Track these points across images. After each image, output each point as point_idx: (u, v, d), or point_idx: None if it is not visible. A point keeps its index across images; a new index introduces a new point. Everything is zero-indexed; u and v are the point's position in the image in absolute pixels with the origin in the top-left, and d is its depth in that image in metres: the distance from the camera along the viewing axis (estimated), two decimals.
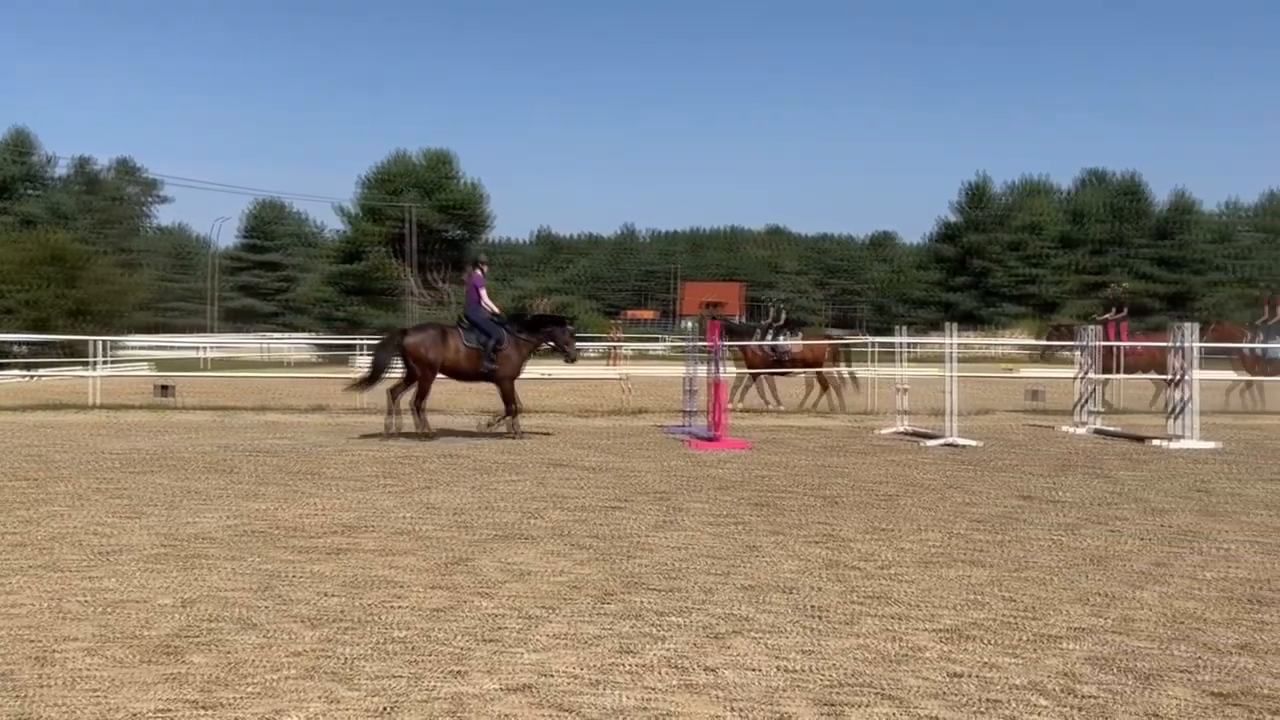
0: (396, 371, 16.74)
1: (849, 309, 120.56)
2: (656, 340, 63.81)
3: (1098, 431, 17.39)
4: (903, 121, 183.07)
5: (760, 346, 22.77)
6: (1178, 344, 16.22)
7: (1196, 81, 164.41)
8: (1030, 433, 17.71)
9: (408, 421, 16.06)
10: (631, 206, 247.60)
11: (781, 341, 22.77)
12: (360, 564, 7.33)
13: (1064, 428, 18.01)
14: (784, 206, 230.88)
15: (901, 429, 17.34)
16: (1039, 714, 4.51)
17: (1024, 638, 5.62)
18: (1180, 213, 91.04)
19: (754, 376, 23.04)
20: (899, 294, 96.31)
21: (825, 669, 5.09)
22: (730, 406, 18.20)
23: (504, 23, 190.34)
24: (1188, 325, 16.49)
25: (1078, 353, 18.91)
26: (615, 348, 46.01)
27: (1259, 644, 5.53)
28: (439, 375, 16.31)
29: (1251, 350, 22.42)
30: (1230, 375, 23.71)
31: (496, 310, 16.85)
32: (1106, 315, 23.57)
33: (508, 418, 16.26)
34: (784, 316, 23.91)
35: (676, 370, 24.59)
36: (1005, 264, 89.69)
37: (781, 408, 21.89)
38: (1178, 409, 15.79)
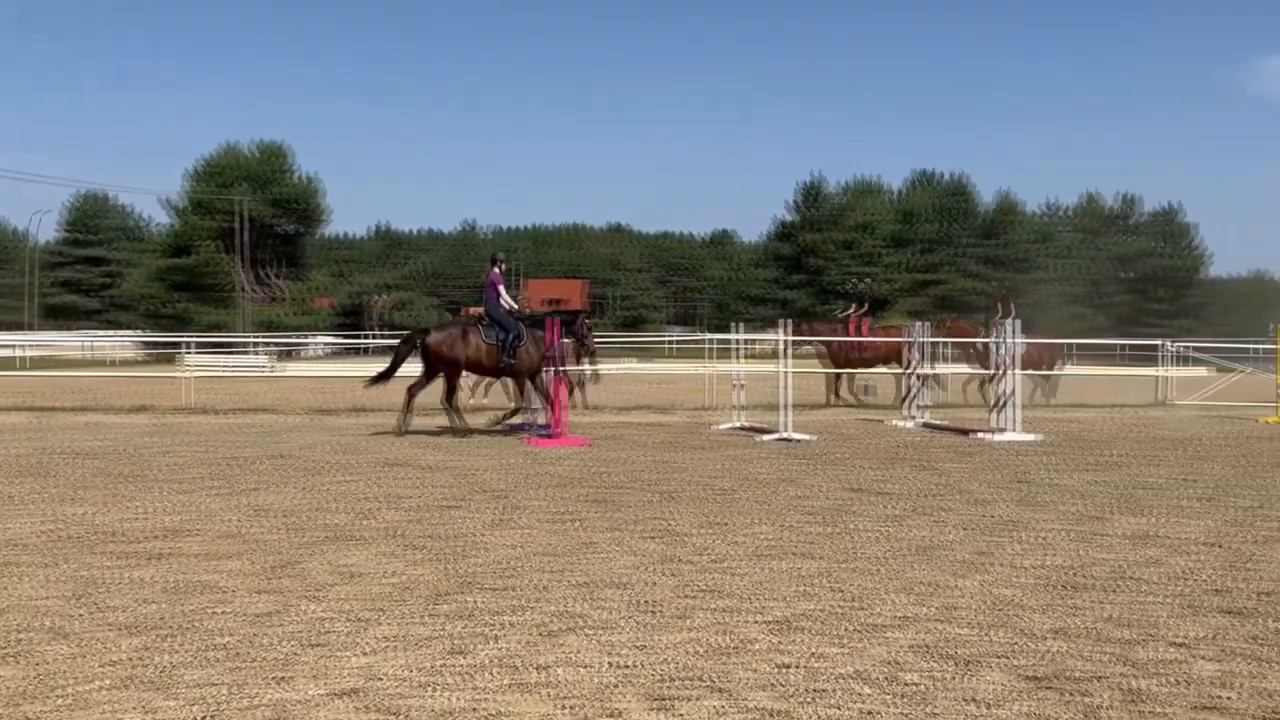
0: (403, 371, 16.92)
1: (690, 306, 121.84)
2: None
3: (925, 425, 17.91)
4: (740, 120, 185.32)
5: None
6: (995, 339, 16.81)
7: (1019, 84, 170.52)
8: (861, 427, 18.14)
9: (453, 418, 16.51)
10: (473, 202, 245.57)
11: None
12: (183, 569, 7.08)
13: (893, 421, 18.50)
14: (626, 204, 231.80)
15: (738, 424, 17.58)
16: (863, 702, 4.60)
17: (851, 627, 5.74)
18: (1005, 213, 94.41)
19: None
20: (738, 291, 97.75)
21: (657, 664, 5.11)
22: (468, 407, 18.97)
23: (343, 14, 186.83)
24: (1009, 322, 17.09)
25: (905, 354, 19.40)
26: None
27: (1071, 628, 5.75)
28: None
29: (985, 345, 23.02)
30: (965, 369, 24.32)
31: (515, 306, 17.10)
32: (849, 311, 24.01)
33: (520, 412, 16.85)
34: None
35: None
36: (839, 262, 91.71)
37: (485, 404, 20.91)
38: (1001, 403, 16.36)
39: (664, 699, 4.64)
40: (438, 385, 16.68)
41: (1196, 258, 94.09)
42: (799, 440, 15.37)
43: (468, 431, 16.11)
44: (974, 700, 4.63)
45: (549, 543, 7.99)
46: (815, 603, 6.26)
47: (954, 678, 4.92)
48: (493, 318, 16.56)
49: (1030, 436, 15.76)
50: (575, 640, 5.49)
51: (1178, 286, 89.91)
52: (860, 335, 22.59)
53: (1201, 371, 31.92)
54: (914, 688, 4.78)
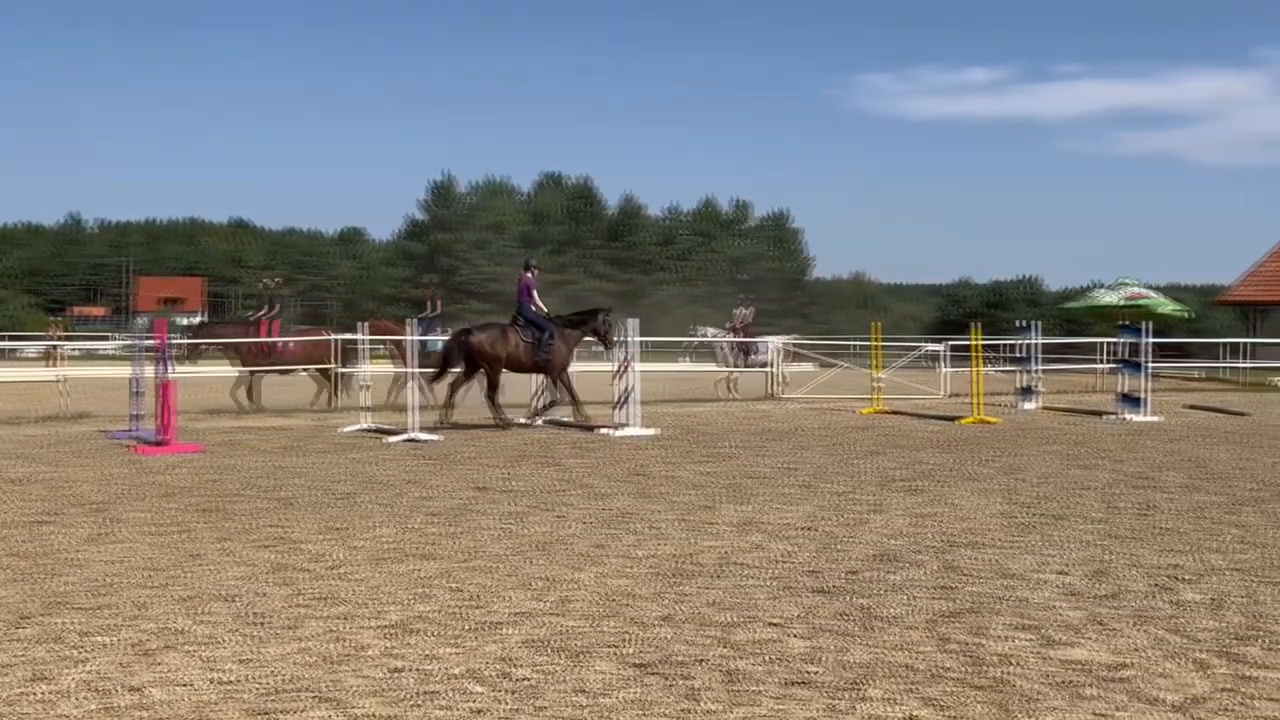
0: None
1: (319, 305, 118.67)
2: (106, 339, 59.21)
3: (551, 422, 18.19)
4: (369, 115, 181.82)
5: None
6: (622, 338, 17.33)
7: (642, 88, 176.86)
8: (491, 425, 18.19)
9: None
10: (77, 194, 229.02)
11: None
12: None
13: (521, 419, 18.67)
14: (248, 199, 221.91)
15: (365, 426, 17.24)
16: (473, 701, 4.60)
17: (466, 627, 5.73)
18: (629, 216, 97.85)
19: None
20: (369, 290, 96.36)
21: (263, 677, 4.91)
22: None
23: None
24: (633, 321, 17.63)
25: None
26: (55, 347, 42.11)
27: (678, 615, 5.98)
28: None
29: (409, 343, 22.45)
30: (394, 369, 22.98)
31: (545, 309, 18.19)
32: (260, 313, 23.09)
33: (579, 408, 17.74)
34: None
35: (126, 371, 22.93)
36: (471, 262, 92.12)
37: None
38: (622, 400, 16.86)
39: (268, 713, 4.47)
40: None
41: (803, 260, 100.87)
42: (426, 440, 15.25)
43: (508, 424, 17.10)
44: (582, 691, 4.73)
45: (151, 556, 7.52)
46: (432, 604, 6.21)
47: (564, 670, 5.01)
48: (525, 319, 17.83)
49: (650, 431, 16.32)
50: (174, 658, 5.19)
51: (786, 287, 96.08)
52: (271, 336, 21.59)
53: (807, 367, 34.19)
54: (525, 683, 4.83)
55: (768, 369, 25.77)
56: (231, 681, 4.85)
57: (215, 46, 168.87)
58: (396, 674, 4.96)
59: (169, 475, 11.76)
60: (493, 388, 17.51)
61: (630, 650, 5.32)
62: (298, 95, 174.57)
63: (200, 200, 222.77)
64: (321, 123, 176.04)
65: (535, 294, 18.11)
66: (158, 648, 5.35)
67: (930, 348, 32.46)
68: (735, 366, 26.10)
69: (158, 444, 14.16)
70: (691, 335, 27.29)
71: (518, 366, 17.97)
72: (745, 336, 26.55)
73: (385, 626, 5.74)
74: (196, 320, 45.64)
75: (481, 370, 17.63)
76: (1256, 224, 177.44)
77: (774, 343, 26.65)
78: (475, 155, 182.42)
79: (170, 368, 15.14)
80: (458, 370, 17.74)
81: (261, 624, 5.79)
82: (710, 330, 27.27)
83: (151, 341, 16.60)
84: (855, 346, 29.01)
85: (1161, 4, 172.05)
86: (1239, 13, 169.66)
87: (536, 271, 18.65)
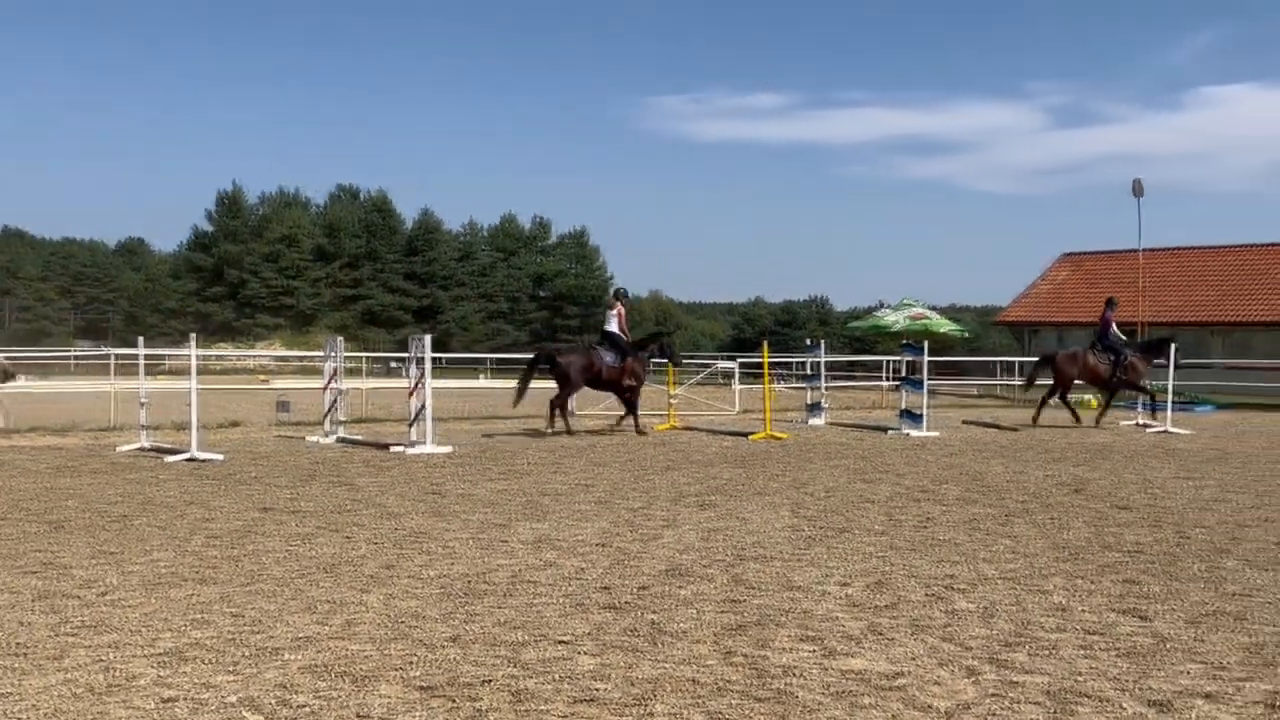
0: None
1: (100, 318, 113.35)
2: None
3: (342, 440, 17.82)
4: (151, 120, 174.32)
5: None
6: (417, 354, 17.10)
7: (438, 103, 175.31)
8: (278, 444, 17.68)
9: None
10: None
11: None
12: None
13: (311, 438, 18.22)
14: (21, 207, 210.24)
15: (143, 445, 16.53)
16: None
17: (245, 653, 5.53)
18: (427, 231, 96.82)
19: None
20: (153, 304, 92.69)
21: (21, 711, 4.63)
22: None
23: None
24: (426, 337, 17.43)
25: (328, 364, 19.20)
26: None
27: (467, 635, 5.91)
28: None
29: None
30: None
31: (1123, 337, 23.09)
32: None
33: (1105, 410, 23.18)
34: None
35: None
36: (261, 275, 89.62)
37: None
38: (415, 416, 16.62)
39: None
40: None
41: (603, 278, 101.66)
42: (209, 460, 14.71)
43: (1079, 422, 22.11)
44: (364, 717, 4.62)
45: None
46: (209, 630, 5.97)
47: (347, 695, 4.88)
48: (1104, 345, 22.62)
49: (445, 449, 16.14)
50: None
51: (586, 304, 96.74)
52: None
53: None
54: (304, 709, 4.69)
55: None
56: None
57: None
58: (168, 704, 4.74)
59: None
60: (1054, 393, 22.73)
61: (416, 673, 5.22)
62: (74, 98, 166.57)
63: None
64: (102, 129, 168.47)
65: (1114, 327, 22.70)
66: None
67: (723, 365, 33.14)
68: None
69: None
70: None
71: (1095, 381, 23.00)
72: None
73: (158, 654, 5.49)
74: None
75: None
76: (1031, 248, 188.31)
77: None
78: (265, 166, 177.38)
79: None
80: (1049, 383, 23.07)
81: (23, 655, 5.46)
82: None
83: None
84: (652, 364, 29.31)
85: (939, 36, 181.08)
86: (1012, 46, 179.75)
87: (1115, 308, 22.97)
